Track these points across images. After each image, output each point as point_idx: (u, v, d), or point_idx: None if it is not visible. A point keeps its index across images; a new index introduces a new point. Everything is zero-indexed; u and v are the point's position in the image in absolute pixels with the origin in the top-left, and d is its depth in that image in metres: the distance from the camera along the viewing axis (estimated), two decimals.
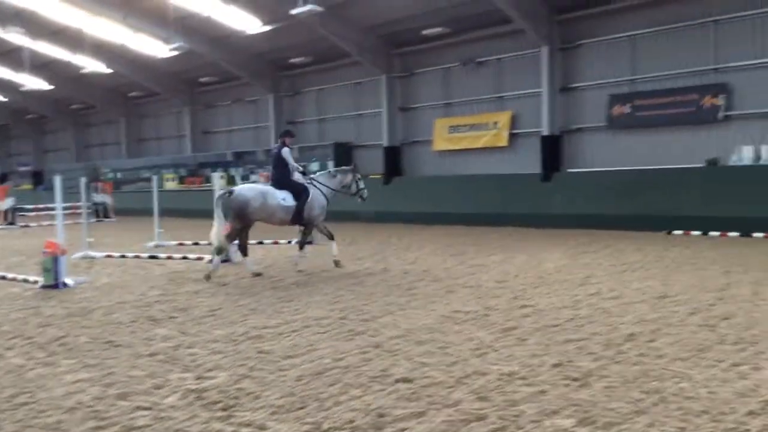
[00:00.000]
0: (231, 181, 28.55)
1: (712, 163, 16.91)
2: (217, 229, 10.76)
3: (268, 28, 22.79)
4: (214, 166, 29.42)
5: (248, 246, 11.29)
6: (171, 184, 31.89)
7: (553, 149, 20.37)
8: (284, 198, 11.16)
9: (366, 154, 25.54)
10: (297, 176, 11.50)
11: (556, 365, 5.38)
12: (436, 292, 8.90)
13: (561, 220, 18.29)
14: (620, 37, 19.05)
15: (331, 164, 24.11)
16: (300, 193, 11.31)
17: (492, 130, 22.20)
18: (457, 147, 23.16)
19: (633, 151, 18.86)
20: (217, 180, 14.83)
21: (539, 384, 4.91)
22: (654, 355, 5.63)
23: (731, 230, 14.94)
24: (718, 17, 17.20)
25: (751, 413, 4.22)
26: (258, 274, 10.95)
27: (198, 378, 5.29)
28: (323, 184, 11.76)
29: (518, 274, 10.32)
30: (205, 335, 6.78)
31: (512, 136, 21.76)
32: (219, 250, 10.88)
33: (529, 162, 20.90)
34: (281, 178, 11.41)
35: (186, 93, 32.70)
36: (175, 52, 24.97)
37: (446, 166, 23.52)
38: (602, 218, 17.43)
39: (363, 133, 26.15)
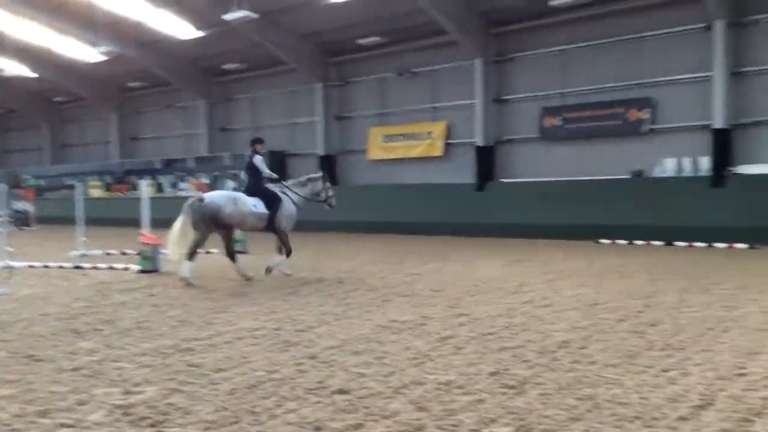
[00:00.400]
0: (159, 188, 27.83)
1: (638, 174, 17.51)
2: (177, 233, 10.84)
3: (201, 33, 22.35)
4: (142, 173, 28.62)
5: (234, 251, 11.41)
6: (96, 192, 30.81)
7: (487, 159, 20.68)
8: (255, 204, 11.27)
9: (300, 162, 25.35)
10: (270, 184, 11.68)
11: (492, 373, 5.38)
12: (372, 302, 8.82)
13: (495, 228, 18.53)
14: (551, 51, 19.56)
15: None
16: (272, 200, 11.45)
17: (427, 139, 22.37)
18: (392, 156, 23.24)
19: (564, 162, 19.33)
20: (145, 188, 14.36)
21: (477, 393, 4.89)
22: (587, 361, 5.70)
23: (656, 239, 15.46)
24: (643, 34, 17.86)
25: (681, 418, 4.30)
26: (249, 278, 11.08)
27: (125, 393, 5.05)
28: (295, 192, 11.89)
29: (454, 283, 10.36)
30: (132, 348, 6.49)
31: (447, 146, 21.99)
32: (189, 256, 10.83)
33: (464, 172, 21.15)
34: (254, 186, 11.56)
35: (114, 98, 31.75)
36: (103, 57, 24.20)
37: (381, 175, 23.56)
38: (534, 227, 17.76)
39: (298, 141, 25.95)
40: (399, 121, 23.27)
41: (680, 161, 17.08)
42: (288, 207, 11.65)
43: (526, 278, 10.73)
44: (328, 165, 24.50)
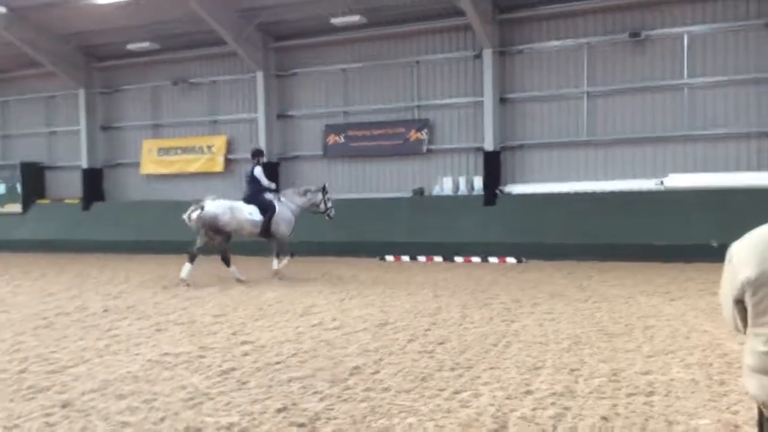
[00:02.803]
0: None
1: (418, 192, 18.08)
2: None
3: None
4: None
5: (230, 257, 12.54)
6: None
7: (270, 176, 20.08)
8: (251, 212, 12.45)
9: (60, 176, 22.91)
10: (269, 193, 12.80)
11: (280, 410, 4.85)
12: (142, 332, 7.83)
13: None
14: (334, 69, 19.60)
15: (18, 187, 21.23)
16: (267, 208, 12.52)
17: (206, 154, 21.30)
18: (167, 171, 21.79)
19: (348, 180, 19.42)
20: None
21: None
22: (380, 388, 5.40)
23: (436, 255, 15.96)
24: (420, 57, 18.56)
25: None
26: (243, 281, 12.12)
27: None
28: (291, 202, 12.96)
29: (237, 307, 9.64)
30: None
31: (228, 161, 21.10)
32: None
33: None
34: (252, 195, 12.75)
35: None
36: None
37: (156, 191, 21.98)
38: (321, 245, 17.55)
39: (57, 152, 23.42)
40: (175, 133, 21.92)
41: (456, 180, 17.92)
42: (284, 214, 12.73)
43: (314, 298, 10.33)
44: (92, 179, 22.37)
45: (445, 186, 17.93)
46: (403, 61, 18.77)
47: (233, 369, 6.04)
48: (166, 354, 6.67)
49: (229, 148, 21.14)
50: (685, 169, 15.99)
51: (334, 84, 19.70)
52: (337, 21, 18.25)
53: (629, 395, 5.12)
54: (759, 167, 15.43)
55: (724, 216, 14.56)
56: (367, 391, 5.32)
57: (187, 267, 12.04)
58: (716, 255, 12.50)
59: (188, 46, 20.71)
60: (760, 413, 2.31)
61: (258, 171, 12.79)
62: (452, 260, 15.68)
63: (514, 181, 17.58)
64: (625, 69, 16.57)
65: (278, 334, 7.65)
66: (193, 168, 21.49)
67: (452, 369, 5.96)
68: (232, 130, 21.15)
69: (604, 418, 4.60)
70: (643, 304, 9.41)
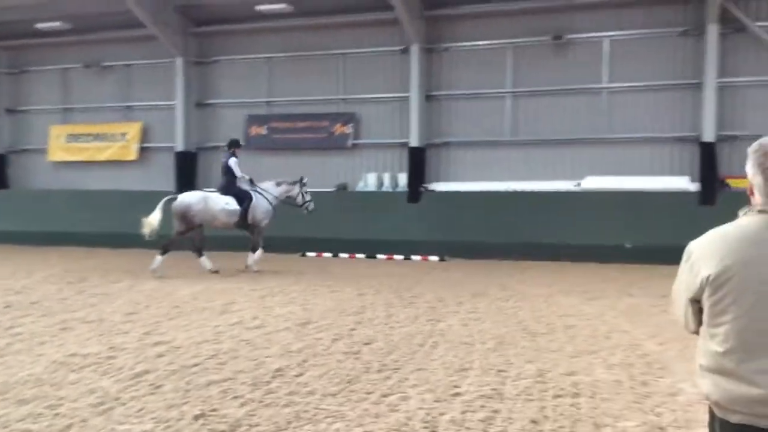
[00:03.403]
0: None
1: (342, 188, 17.86)
2: (154, 221, 12.22)
3: None
4: None
5: (203, 247, 12.76)
6: None
7: (188, 166, 19.46)
8: (227, 203, 12.63)
9: None
10: (244, 184, 12.92)
11: (198, 416, 4.57)
12: (46, 330, 7.30)
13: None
14: (257, 58, 19.13)
15: None
16: (243, 198, 12.70)
17: (119, 141, 20.40)
18: (77, 158, 20.74)
19: (270, 173, 18.87)
20: None
21: None
22: (304, 392, 5.19)
23: (359, 252, 15.78)
24: (347, 50, 18.33)
25: None
26: (215, 271, 12.33)
27: None
28: (267, 191, 13.10)
29: (150, 304, 9.16)
30: None
31: (143, 150, 20.27)
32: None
33: (162, 178, 19.65)
34: (227, 186, 12.87)
35: None
36: None
37: (64, 179, 20.86)
38: (241, 240, 17.04)
39: None
40: (86, 119, 20.85)
41: (381, 176, 17.81)
42: (261, 203, 12.92)
43: (233, 296, 9.96)
44: None
45: (369, 182, 17.79)
46: (329, 53, 18.50)
47: (146, 371, 5.68)
48: (73, 355, 6.22)
49: (144, 136, 20.29)
50: (602, 172, 16.44)
51: (258, 73, 19.21)
52: (262, 8, 17.81)
53: (556, 397, 5.11)
54: (672, 171, 16.04)
55: (638, 218, 15.09)
56: (291, 395, 5.11)
57: (158, 259, 12.27)
58: (629, 256, 12.95)
59: (102, 28, 19.73)
60: (712, 414, 2.27)
61: (233, 162, 12.85)
62: (375, 257, 15.55)
63: (438, 179, 17.63)
64: (548, 71, 16.89)
65: (195, 333, 7.29)
66: (105, 156, 20.53)
67: (379, 371, 5.81)
68: (147, 117, 20.33)
69: (534, 421, 4.57)
70: (563, 303, 9.56)
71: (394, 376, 5.64)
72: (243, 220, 12.70)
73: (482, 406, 4.86)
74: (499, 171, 17.20)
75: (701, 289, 2.20)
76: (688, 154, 16.00)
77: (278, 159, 18.96)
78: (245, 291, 10.43)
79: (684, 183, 15.75)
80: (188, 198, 12.49)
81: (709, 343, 2.21)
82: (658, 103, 16.22)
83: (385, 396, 5.10)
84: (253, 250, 12.94)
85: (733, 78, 15.61)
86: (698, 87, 15.69)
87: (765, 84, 15.43)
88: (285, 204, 13.53)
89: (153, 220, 12.31)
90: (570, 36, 16.58)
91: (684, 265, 2.31)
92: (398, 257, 15.36)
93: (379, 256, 15.66)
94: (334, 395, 5.11)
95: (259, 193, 13.02)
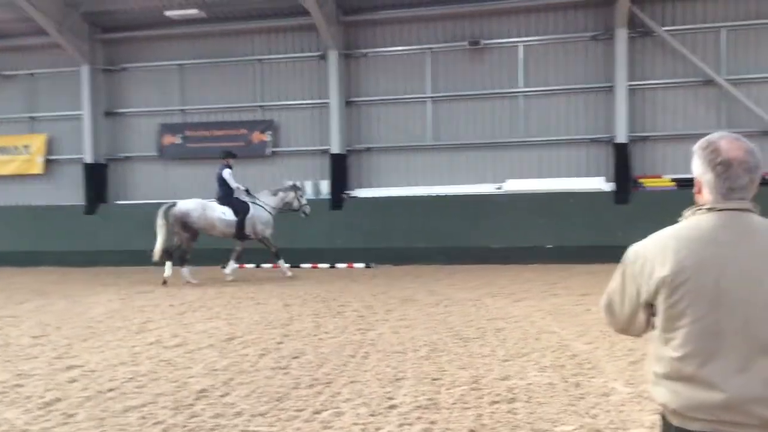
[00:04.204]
0: None
1: None
2: (161, 239, 12.48)
3: None
4: None
5: (185, 256, 12.77)
6: None
7: (98, 179, 18.58)
8: (224, 212, 12.72)
9: None
10: (242, 195, 13.00)
11: None
12: None
13: (109, 257, 16.64)
14: (169, 65, 18.49)
15: None
16: (239, 210, 12.76)
17: (23, 154, 19.32)
18: None
19: (186, 183, 18.37)
20: None
21: None
22: (231, 413, 4.90)
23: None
24: (261, 57, 17.95)
25: None
26: (194, 283, 12.31)
27: None
28: (265, 203, 13.21)
29: (60, 325, 8.58)
30: None
31: (48, 163, 19.23)
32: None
33: (70, 192, 18.72)
34: (224, 196, 12.93)
35: None
36: None
37: None
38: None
39: None
40: None
41: (302, 184, 17.44)
42: (261, 214, 13.05)
43: (151, 313, 9.47)
44: None
45: None
46: (245, 60, 18.08)
47: (58, 399, 5.25)
48: None
49: (51, 148, 19.26)
50: (521, 175, 16.72)
51: (170, 81, 18.58)
52: (172, 14, 17.22)
53: (492, 403, 5.01)
54: (588, 172, 16.47)
55: (557, 219, 15.39)
56: (217, 417, 4.81)
57: (168, 266, 12.52)
58: (550, 256, 13.18)
59: (4, 36, 18.63)
60: (667, 424, 2.15)
61: (227, 173, 12.87)
62: (299, 266, 15.21)
63: (361, 185, 17.50)
64: (467, 76, 17.06)
65: (110, 355, 6.83)
66: (7, 170, 19.39)
67: (310, 386, 5.56)
68: (52, 128, 19.32)
69: (472, 431, 4.43)
70: (491, 306, 9.56)
71: (326, 391, 5.42)
72: (240, 231, 12.78)
73: (419, 418, 4.71)
74: (422, 176, 17.23)
75: (656, 292, 2.11)
76: (602, 155, 16.49)
77: (194, 169, 18.37)
78: (163, 308, 9.94)
79: (599, 183, 16.20)
80: (186, 205, 12.64)
81: (665, 349, 2.11)
82: (573, 106, 16.64)
83: (317, 413, 4.87)
84: (277, 257, 13.37)
85: (643, 81, 16.20)
86: (610, 90, 16.18)
87: (673, 86, 16.09)
88: (282, 211, 13.74)
89: (158, 244, 12.62)
90: (486, 41, 16.80)
91: (628, 268, 2.19)
92: (323, 266, 15.08)
93: (303, 265, 15.33)
94: (263, 415, 4.84)
95: (258, 204, 13.13)
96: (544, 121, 16.77)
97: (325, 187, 17.47)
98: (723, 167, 2.08)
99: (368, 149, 17.66)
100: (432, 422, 4.62)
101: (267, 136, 17.85)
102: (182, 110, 18.59)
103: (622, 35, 15.73)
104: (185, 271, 12.57)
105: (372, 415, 4.79)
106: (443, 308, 9.45)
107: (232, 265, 13.15)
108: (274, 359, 6.53)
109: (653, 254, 2.12)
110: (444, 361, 6.35)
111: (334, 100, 17.16)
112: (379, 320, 8.58)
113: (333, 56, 17.07)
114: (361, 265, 15.08)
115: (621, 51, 15.77)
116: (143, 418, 4.80)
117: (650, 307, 2.16)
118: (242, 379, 5.83)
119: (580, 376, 5.73)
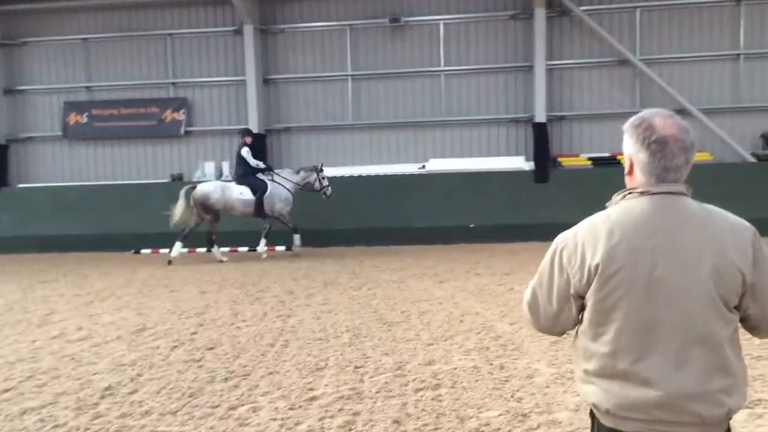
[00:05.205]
0: None
1: (177, 178, 16.72)
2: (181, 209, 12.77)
3: None
4: None
5: (213, 238, 13.14)
6: None
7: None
8: (242, 192, 12.86)
9: None
10: (260, 173, 13.08)
11: None
12: None
13: (10, 243, 15.63)
14: (73, 39, 17.42)
15: None
16: (257, 188, 12.85)
17: None
18: None
19: (93, 165, 17.45)
20: None
21: None
22: (139, 412, 4.56)
23: (198, 246, 14.75)
24: (172, 31, 17.14)
25: None
26: (222, 261, 12.83)
27: None
28: (286, 179, 13.29)
29: None
30: None
31: None
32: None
33: None
34: (242, 175, 13.02)
35: None
36: None
37: None
38: (62, 239, 15.52)
39: None
40: None
41: (219, 165, 16.87)
42: (280, 192, 13.10)
43: (55, 304, 8.86)
44: None
45: (207, 171, 16.74)
46: (155, 34, 17.20)
47: None
48: None
49: None
50: (443, 154, 16.67)
51: (75, 56, 17.50)
52: None
53: (417, 390, 4.86)
54: (509, 152, 16.59)
55: (479, 198, 15.44)
56: (123, 417, 4.47)
57: (177, 246, 12.84)
58: (473, 235, 13.17)
59: None
60: (597, 424, 2.01)
61: (245, 151, 12.91)
62: (216, 251, 14.63)
63: (281, 166, 17.00)
64: (387, 54, 16.81)
65: (8, 352, 6.32)
66: None
67: (226, 379, 5.26)
68: None
69: (396, 421, 4.29)
70: (415, 288, 9.44)
71: (243, 384, 5.13)
72: (259, 209, 12.93)
73: (341, 410, 4.50)
74: (342, 156, 16.93)
75: (588, 284, 1.94)
76: (522, 134, 16.62)
77: (102, 149, 17.48)
78: (68, 298, 9.32)
79: (519, 162, 16.33)
80: (206, 187, 12.91)
81: (594, 345, 1.95)
82: (493, 85, 16.67)
83: (233, 408, 4.60)
84: (295, 231, 13.39)
85: (561, 60, 16.38)
86: (529, 69, 16.29)
87: (589, 66, 16.34)
88: (302, 191, 13.72)
89: (177, 210, 12.84)
90: (407, 19, 16.57)
91: (556, 258, 2.02)
92: (242, 249, 14.59)
93: (222, 248, 14.79)
94: (174, 413, 4.53)
95: (277, 181, 13.18)
96: (464, 100, 16.74)
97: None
98: (658, 145, 1.92)
99: (287, 129, 17.20)
100: (355, 413, 4.43)
101: (180, 115, 17.08)
102: (88, 87, 17.55)
103: (540, 14, 15.81)
104: (215, 250, 13.11)
105: (291, 409, 4.55)
106: (366, 291, 9.25)
107: (263, 245, 13.48)
108: (188, 351, 6.17)
109: (583, 242, 1.95)
110: (367, 347, 6.16)
111: (251, 78, 16.56)
112: (300, 305, 8.30)
113: (249, 31, 16.43)
114: (282, 247, 14.67)
115: (540, 30, 15.86)
116: (42, 420, 4.41)
117: (580, 300, 2.00)
118: (152, 374, 5.46)
119: (504, 358, 5.66)
